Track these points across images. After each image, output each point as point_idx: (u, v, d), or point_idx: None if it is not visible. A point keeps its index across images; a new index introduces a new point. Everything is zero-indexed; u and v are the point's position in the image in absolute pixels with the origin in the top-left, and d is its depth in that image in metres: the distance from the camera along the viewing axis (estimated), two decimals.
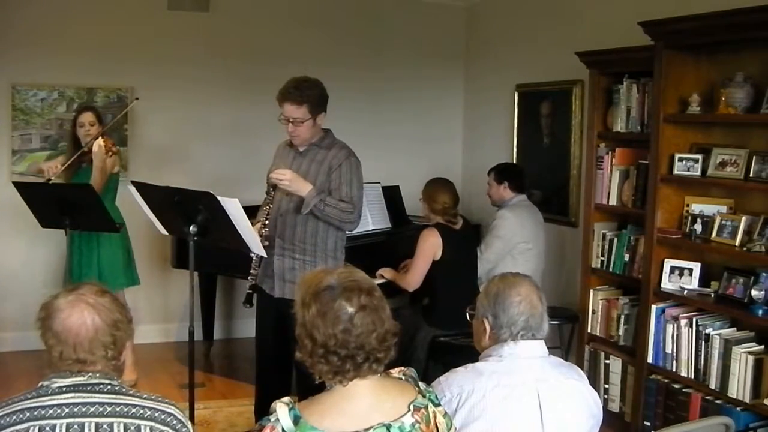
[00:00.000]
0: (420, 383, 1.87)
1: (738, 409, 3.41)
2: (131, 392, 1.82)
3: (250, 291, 3.52)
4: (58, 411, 1.73)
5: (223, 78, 5.70)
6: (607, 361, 4.25)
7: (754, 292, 3.40)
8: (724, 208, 3.72)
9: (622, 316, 4.18)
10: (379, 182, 5.15)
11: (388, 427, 1.70)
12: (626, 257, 4.20)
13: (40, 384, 1.79)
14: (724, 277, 3.60)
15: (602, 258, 4.37)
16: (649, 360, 3.88)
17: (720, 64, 3.74)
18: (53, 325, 1.80)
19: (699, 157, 3.73)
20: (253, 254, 3.48)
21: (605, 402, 4.17)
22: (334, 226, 3.50)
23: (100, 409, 1.75)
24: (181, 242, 4.66)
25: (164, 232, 3.65)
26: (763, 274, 3.41)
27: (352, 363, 1.70)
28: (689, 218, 3.80)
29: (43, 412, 1.72)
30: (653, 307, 3.85)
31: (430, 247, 4.13)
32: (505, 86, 5.83)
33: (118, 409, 1.76)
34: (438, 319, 4.15)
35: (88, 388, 1.77)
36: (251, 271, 3.52)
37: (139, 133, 5.60)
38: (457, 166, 6.44)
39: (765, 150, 3.51)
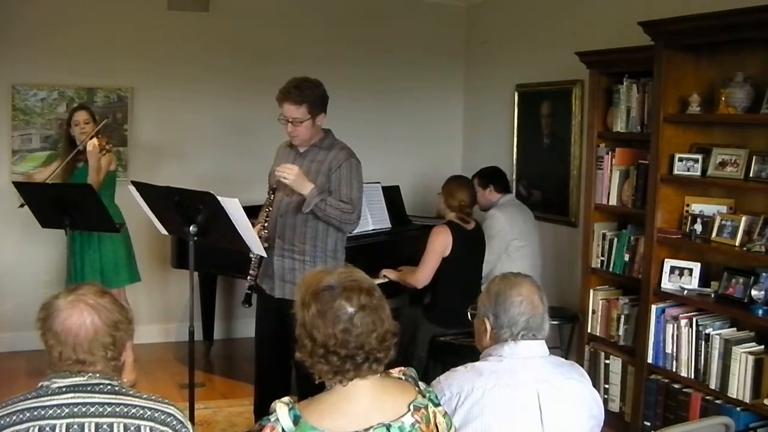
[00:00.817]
0: (420, 383, 1.86)
1: (738, 409, 3.41)
2: (131, 392, 1.82)
3: (249, 291, 3.54)
4: (58, 411, 1.73)
5: (223, 78, 5.70)
6: (607, 361, 4.25)
7: (754, 292, 3.39)
8: (724, 208, 3.72)
9: (622, 316, 4.18)
10: (379, 182, 5.15)
11: (388, 427, 1.70)
12: (626, 257, 4.20)
13: (40, 384, 1.79)
14: (724, 277, 3.60)
15: (602, 258, 4.37)
16: (649, 360, 3.88)
17: (720, 64, 3.74)
18: (53, 326, 1.80)
19: (699, 157, 3.73)
20: (252, 254, 3.49)
21: (605, 402, 4.16)
22: (334, 227, 3.50)
23: (100, 410, 1.75)
24: (181, 242, 4.66)
25: (164, 231, 3.65)
26: (763, 274, 3.41)
27: (352, 363, 1.70)
28: (689, 218, 3.80)
29: (43, 413, 1.72)
30: (653, 307, 3.85)
31: (441, 244, 4.14)
32: (505, 86, 5.83)
33: (118, 410, 1.76)
34: (438, 316, 4.17)
35: (88, 389, 1.77)
36: (250, 272, 3.54)
37: (138, 133, 5.59)
38: (457, 166, 6.42)
39: (765, 150, 3.51)
